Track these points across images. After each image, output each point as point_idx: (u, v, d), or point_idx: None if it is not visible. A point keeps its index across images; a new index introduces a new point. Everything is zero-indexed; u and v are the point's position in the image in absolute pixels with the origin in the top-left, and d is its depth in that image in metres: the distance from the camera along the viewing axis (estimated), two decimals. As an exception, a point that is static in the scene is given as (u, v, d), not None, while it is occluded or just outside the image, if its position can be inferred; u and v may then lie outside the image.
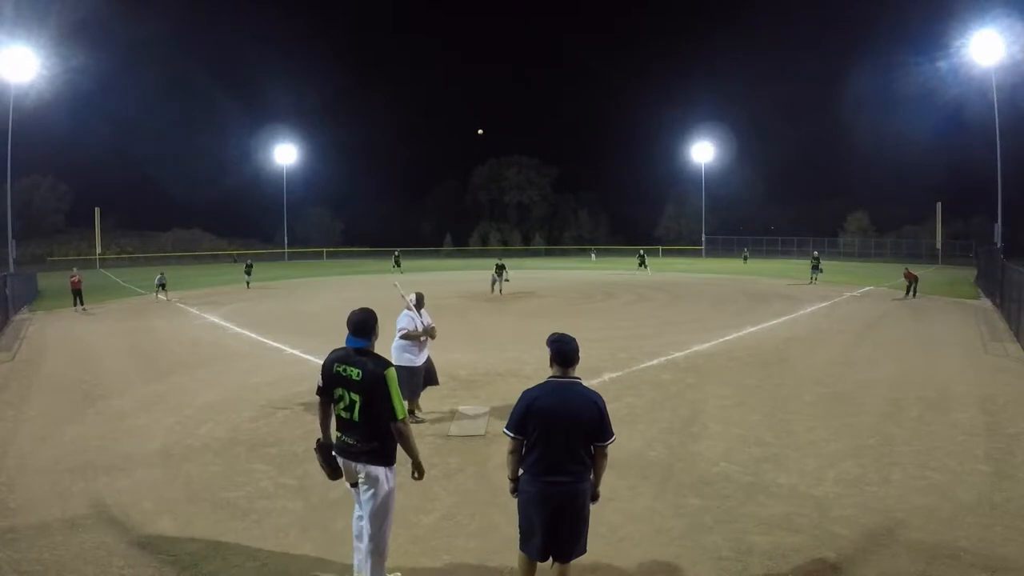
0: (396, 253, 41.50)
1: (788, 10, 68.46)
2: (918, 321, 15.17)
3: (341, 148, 68.96)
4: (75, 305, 19.37)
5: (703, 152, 61.74)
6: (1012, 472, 5.50)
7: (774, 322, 14.89)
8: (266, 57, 69.40)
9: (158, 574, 4.02)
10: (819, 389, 8.45)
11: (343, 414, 3.59)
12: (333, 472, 3.66)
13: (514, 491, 3.47)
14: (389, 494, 3.54)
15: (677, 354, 10.95)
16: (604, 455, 3.40)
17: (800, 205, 65.53)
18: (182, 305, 19.81)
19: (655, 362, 10.25)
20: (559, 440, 3.26)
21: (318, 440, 3.72)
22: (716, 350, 11.44)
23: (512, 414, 3.37)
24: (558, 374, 3.40)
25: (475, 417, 7.28)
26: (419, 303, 7.39)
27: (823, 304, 18.73)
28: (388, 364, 3.56)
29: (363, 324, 3.63)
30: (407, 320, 7.08)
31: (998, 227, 31.10)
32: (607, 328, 13.94)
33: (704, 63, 75.20)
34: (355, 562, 3.82)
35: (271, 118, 62.79)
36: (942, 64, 38.38)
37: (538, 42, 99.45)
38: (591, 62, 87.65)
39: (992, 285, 19.54)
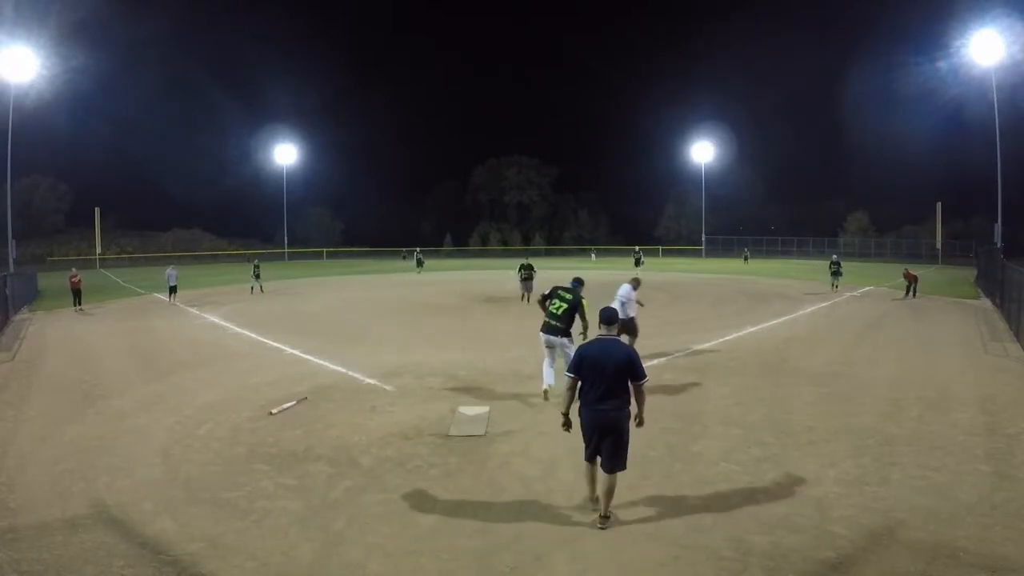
0: (417, 252, 38.87)
1: (788, 10, 68.55)
2: (918, 321, 15.16)
3: (341, 148, 69.00)
4: (75, 305, 19.37)
5: (703, 152, 61.67)
6: (1012, 472, 5.50)
7: (774, 322, 14.89)
8: (266, 57, 69.38)
9: (158, 574, 4.02)
10: (819, 389, 8.45)
11: (555, 311, 7.76)
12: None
13: (564, 424, 4.89)
14: (570, 349, 7.28)
15: (677, 354, 10.95)
16: (640, 391, 4.68)
17: (800, 205, 65.56)
18: (182, 305, 19.81)
19: (655, 362, 10.24)
20: (602, 378, 4.60)
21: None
22: (716, 350, 11.43)
23: (571, 361, 4.92)
24: (603, 333, 4.86)
25: (475, 417, 7.28)
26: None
27: (823, 304, 18.72)
28: (582, 298, 7.93)
29: (579, 279, 8.41)
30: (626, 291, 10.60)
31: (998, 227, 31.08)
32: (607, 328, 13.90)
33: (704, 63, 75.13)
34: (544, 378, 7.82)
35: (271, 118, 62.82)
36: (942, 64, 38.33)
37: (538, 42, 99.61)
38: (591, 62, 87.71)
39: (992, 285, 19.53)
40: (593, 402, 4.62)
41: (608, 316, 4.90)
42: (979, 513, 4.70)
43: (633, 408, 4.71)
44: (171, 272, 21.17)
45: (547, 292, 8.08)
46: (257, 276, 24.19)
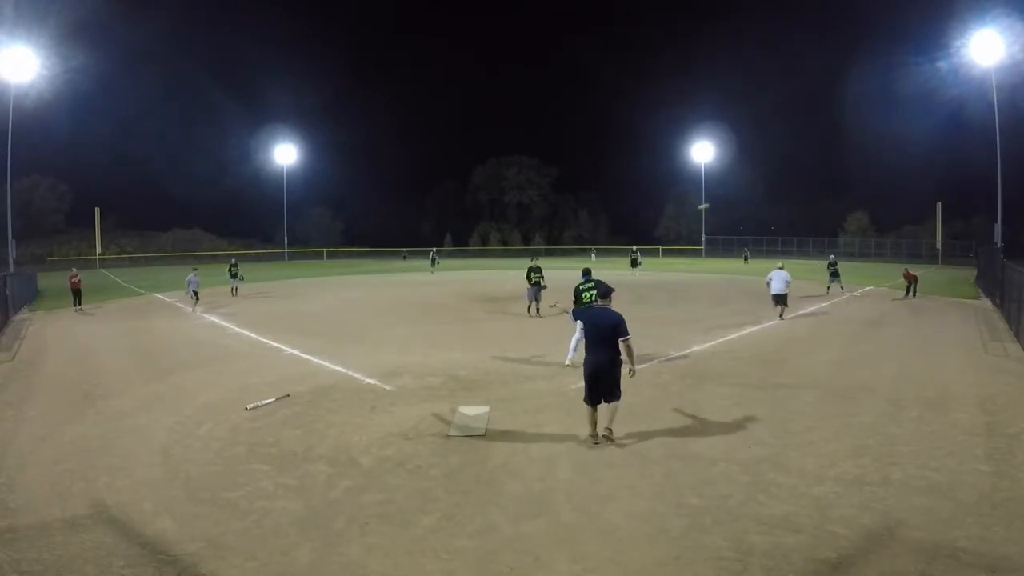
0: (433, 252, 38.50)
1: (788, 10, 68.60)
2: (918, 321, 15.15)
3: (341, 148, 69.05)
4: (75, 305, 19.36)
5: (703, 152, 61.69)
6: (1012, 472, 5.50)
7: (774, 322, 14.88)
8: (266, 57, 69.53)
9: (158, 574, 4.02)
10: (819, 389, 8.45)
11: (589, 299, 9.24)
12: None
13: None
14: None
15: (677, 354, 10.94)
16: (628, 346, 6.20)
17: (800, 205, 65.50)
18: (182, 305, 19.81)
19: (655, 362, 10.24)
20: (597, 336, 6.21)
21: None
22: (716, 350, 11.43)
23: (579, 313, 7.00)
24: (600, 304, 6.46)
25: (475, 417, 7.28)
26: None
27: (823, 304, 18.72)
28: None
29: (588, 270, 10.66)
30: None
31: (998, 227, 31.08)
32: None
33: (704, 63, 75.25)
34: (570, 353, 9.73)
35: (271, 118, 62.90)
36: (942, 64, 38.35)
37: (538, 42, 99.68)
38: (591, 62, 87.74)
39: (992, 285, 19.52)
40: (593, 353, 6.21)
41: (604, 291, 6.58)
42: (979, 513, 4.70)
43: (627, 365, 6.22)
44: (192, 278, 19.37)
45: (574, 296, 10.06)
46: (234, 275, 23.15)
